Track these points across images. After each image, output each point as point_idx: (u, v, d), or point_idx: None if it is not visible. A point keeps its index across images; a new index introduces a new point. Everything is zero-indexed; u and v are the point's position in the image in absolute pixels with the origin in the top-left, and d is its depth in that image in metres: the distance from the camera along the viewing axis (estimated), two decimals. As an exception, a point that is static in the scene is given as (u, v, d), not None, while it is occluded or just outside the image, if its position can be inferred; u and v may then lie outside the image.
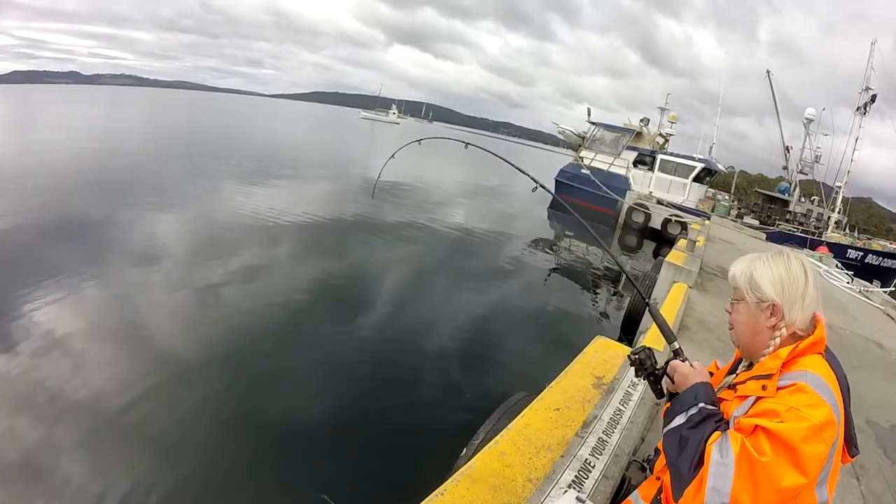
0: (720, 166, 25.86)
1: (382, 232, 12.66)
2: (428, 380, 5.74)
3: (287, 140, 43.40)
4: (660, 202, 21.79)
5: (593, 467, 1.99)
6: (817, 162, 27.73)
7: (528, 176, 2.61)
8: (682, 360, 1.44)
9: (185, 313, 6.48)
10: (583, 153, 25.80)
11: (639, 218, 20.76)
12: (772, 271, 1.30)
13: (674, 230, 18.84)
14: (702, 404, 1.24)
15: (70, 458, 3.77)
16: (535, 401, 2.48)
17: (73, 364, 4.91)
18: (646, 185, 23.80)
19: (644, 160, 24.42)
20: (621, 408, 2.51)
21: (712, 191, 29.01)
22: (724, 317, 1.44)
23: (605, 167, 24.32)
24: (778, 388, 1.16)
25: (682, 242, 10.30)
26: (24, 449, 3.79)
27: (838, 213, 24.90)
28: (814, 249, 17.68)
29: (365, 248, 11.06)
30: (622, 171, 24.06)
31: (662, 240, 18.95)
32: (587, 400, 2.54)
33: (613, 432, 2.28)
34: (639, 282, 8.16)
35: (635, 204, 21.22)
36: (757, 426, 1.09)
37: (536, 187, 2.56)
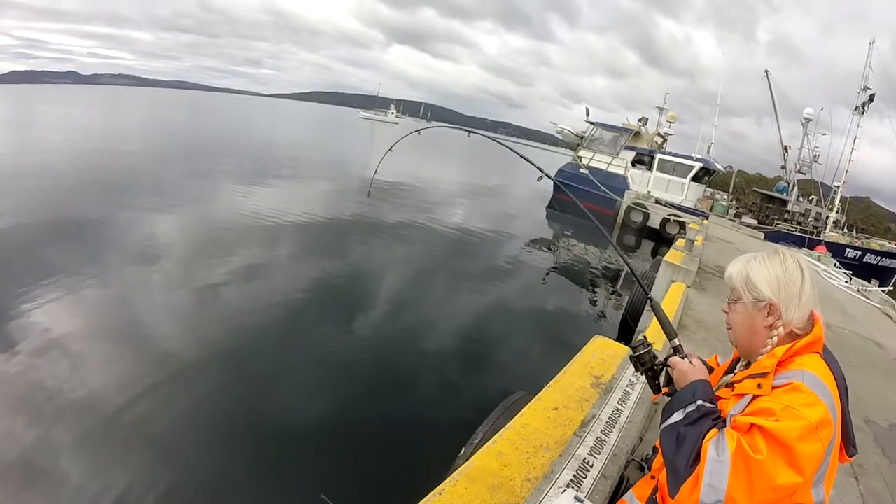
0: (718, 166, 25.88)
1: (381, 231, 12.65)
2: (426, 379, 5.75)
3: (286, 140, 43.36)
4: (658, 202, 21.79)
5: (592, 466, 1.99)
6: (816, 161, 27.82)
7: (534, 165, 2.62)
8: (682, 357, 1.44)
9: (183, 313, 6.48)
10: (581, 153, 25.79)
11: (637, 217, 20.77)
12: (768, 271, 1.30)
13: (672, 230, 18.86)
14: (700, 402, 1.25)
15: (69, 457, 3.77)
16: (533, 400, 2.48)
17: (72, 364, 4.90)
18: (644, 184, 23.81)
19: (642, 160, 24.43)
20: (620, 407, 2.51)
21: (711, 190, 29.05)
22: (723, 316, 1.44)
23: (603, 167, 24.30)
24: (774, 387, 1.16)
25: (680, 242, 10.32)
26: (23, 448, 3.78)
27: (836, 212, 24.95)
28: (812, 249, 17.71)
29: (364, 247, 11.05)
30: (621, 171, 24.05)
31: (661, 239, 18.96)
32: (585, 399, 2.54)
33: (612, 432, 2.28)
34: (639, 277, 8.17)
35: (634, 203, 21.23)
36: (753, 424, 1.09)
37: (541, 176, 2.56)
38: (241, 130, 46.64)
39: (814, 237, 21.32)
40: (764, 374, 1.20)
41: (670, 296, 5.90)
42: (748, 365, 1.36)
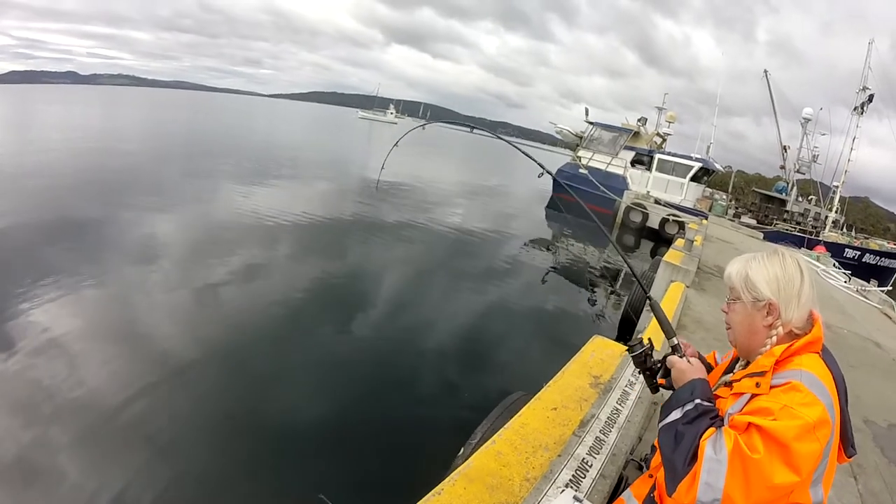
0: (717, 166, 25.91)
1: (381, 231, 12.66)
2: (425, 379, 5.74)
3: (285, 140, 43.35)
4: (657, 202, 21.80)
5: (591, 466, 1.99)
6: (815, 161, 27.84)
7: (534, 161, 2.62)
8: (681, 356, 1.44)
9: (183, 313, 6.47)
10: (580, 153, 25.79)
11: (636, 217, 20.76)
12: (767, 270, 1.30)
13: (671, 230, 18.86)
14: (698, 400, 1.25)
15: (67, 457, 3.76)
16: (532, 400, 2.48)
17: (71, 363, 4.90)
18: (643, 184, 23.83)
19: (642, 160, 24.45)
20: (619, 407, 2.51)
21: (710, 190, 29.07)
22: (722, 316, 1.44)
23: (602, 167, 24.31)
24: (772, 387, 1.16)
25: (679, 242, 10.32)
26: (21, 447, 3.78)
27: (836, 212, 24.97)
28: (811, 249, 17.73)
29: (363, 247, 11.05)
30: (620, 171, 24.06)
31: (660, 239, 18.96)
32: (584, 399, 2.54)
33: (611, 431, 2.27)
34: (638, 277, 8.18)
35: (633, 203, 21.23)
36: (750, 423, 1.09)
37: (542, 173, 2.57)
38: (240, 130, 46.62)
39: (813, 237, 21.34)
40: (762, 373, 1.20)
41: (669, 295, 5.91)
42: (747, 364, 1.36)
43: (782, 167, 29.51)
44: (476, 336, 7.14)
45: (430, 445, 4.05)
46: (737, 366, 1.45)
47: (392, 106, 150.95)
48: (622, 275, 12.63)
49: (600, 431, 2.25)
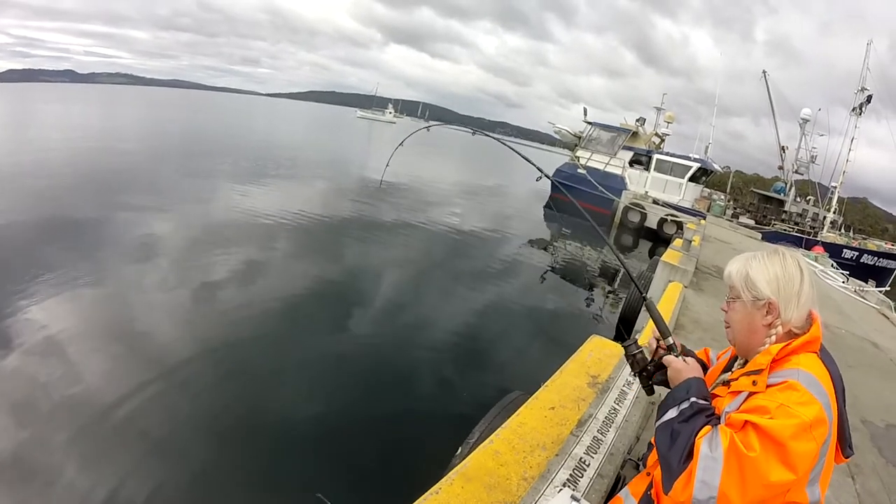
0: (716, 166, 25.95)
1: (380, 231, 12.66)
2: (423, 378, 5.74)
3: (284, 139, 43.29)
4: (656, 202, 21.84)
5: (588, 466, 1.99)
6: (813, 162, 27.90)
7: (534, 165, 2.63)
8: (676, 356, 1.44)
9: (181, 311, 6.45)
10: (579, 153, 25.84)
11: (635, 217, 20.78)
12: (767, 269, 1.30)
13: (670, 230, 18.87)
14: (693, 399, 1.25)
15: (64, 455, 3.75)
16: (530, 399, 2.48)
17: (68, 362, 4.88)
18: (642, 184, 23.86)
19: (640, 160, 24.49)
20: (616, 406, 2.51)
21: (708, 190, 29.12)
22: (720, 316, 1.44)
23: (601, 167, 24.36)
24: (769, 385, 1.16)
25: (677, 242, 10.32)
26: (18, 445, 3.77)
27: (834, 212, 25.04)
28: (809, 249, 17.75)
29: (363, 246, 11.04)
30: (618, 171, 24.10)
31: (658, 239, 18.98)
32: (582, 399, 2.54)
33: (608, 431, 2.28)
34: (635, 278, 8.18)
35: (631, 203, 21.24)
36: (747, 422, 1.09)
37: (540, 177, 2.58)
38: (239, 130, 46.53)
39: (811, 237, 21.37)
40: (759, 371, 1.21)
41: (667, 296, 5.91)
42: (746, 363, 1.36)
43: (781, 167, 29.58)
44: (474, 335, 7.14)
45: (428, 444, 4.06)
46: (735, 364, 1.45)
47: (391, 105, 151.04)
48: (620, 274, 12.64)
49: (598, 431, 2.25)
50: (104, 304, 6.34)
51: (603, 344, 3.29)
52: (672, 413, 1.25)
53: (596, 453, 2.08)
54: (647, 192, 23.25)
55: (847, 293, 11.07)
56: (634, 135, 25.11)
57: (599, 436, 2.22)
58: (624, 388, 2.70)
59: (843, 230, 27.51)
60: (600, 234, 2.28)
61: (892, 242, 28.29)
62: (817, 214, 26.48)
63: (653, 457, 1.49)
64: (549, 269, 12.64)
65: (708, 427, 1.16)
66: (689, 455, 1.12)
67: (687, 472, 1.10)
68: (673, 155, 24.18)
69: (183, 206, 12.32)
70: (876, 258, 19.41)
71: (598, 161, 24.73)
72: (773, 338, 1.27)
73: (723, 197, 31.61)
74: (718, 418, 1.21)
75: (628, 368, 1.56)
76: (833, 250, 18.61)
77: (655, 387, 1.55)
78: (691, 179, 23.61)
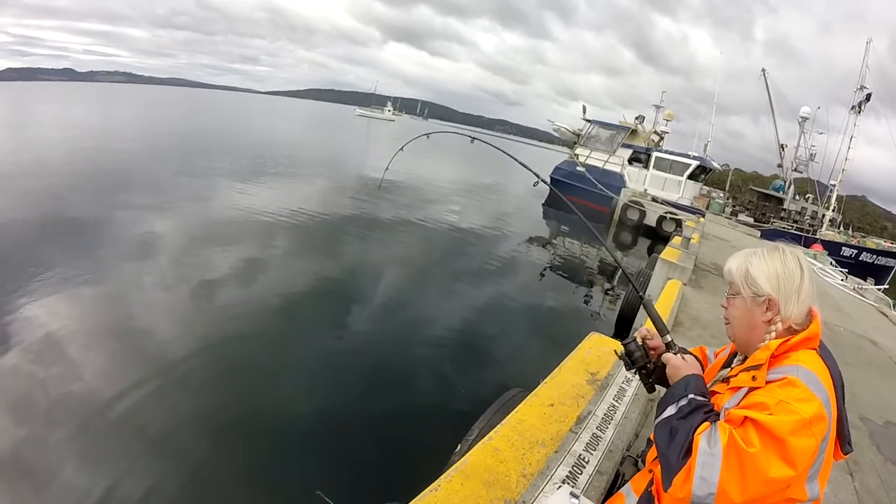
0: (715, 164, 25.95)
1: (379, 228, 12.65)
2: (422, 376, 5.74)
3: (283, 137, 43.18)
4: (655, 199, 21.84)
5: (587, 463, 1.99)
6: (812, 160, 27.92)
7: (531, 171, 2.63)
8: (675, 353, 1.44)
9: (179, 309, 6.44)
10: (578, 150, 25.81)
11: (634, 215, 20.76)
12: (767, 266, 1.30)
13: (669, 227, 18.86)
14: (692, 395, 1.25)
15: (62, 453, 3.74)
16: (529, 397, 2.48)
17: (67, 360, 4.88)
18: (641, 182, 23.85)
19: (639, 158, 24.47)
20: (615, 404, 2.51)
21: (707, 188, 29.13)
22: (719, 313, 1.44)
23: (600, 164, 24.33)
24: (769, 382, 1.16)
25: (676, 240, 10.33)
26: (16, 443, 3.76)
27: (833, 210, 25.06)
28: (808, 247, 17.78)
29: (362, 244, 11.03)
30: (617, 169, 24.08)
31: (657, 237, 18.96)
32: (581, 396, 2.54)
33: (607, 428, 2.28)
34: (633, 277, 8.18)
35: (630, 201, 21.21)
36: (746, 418, 1.09)
37: (538, 181, 2.58)
38: (238, 128, 46.43)
39: (810, 235, 21.40)
40: (758, 367, 1.21)
41: (666, 293, 5.92)
42: (745, 360, 1.36)
43: (780, 165, 29.60)
44: (473, 332, 7.14)
45: (427, 441, 4.06)
46: (734, 361, 1.45)
47: (389, 103, 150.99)
48: (619, 272, 12.63)
49: (597, 428, 2.26)
50: (103, 302, 6.33)
51: (602, 341, 3.29)
52: (671, 410, 1.25)
53: (595, 450, 2.08)
54: (646, 189, 23.25)
55: (846, 291, 11.08)
56: (633, 133, 25.08)
57: (598, 433, 2.22)
58: (623, 385, 2.70)
59: (841, 228, 27.52)
60: (597, 236, 2.29)
61: (890, 240, 28.31)
62: (816, 212, 26.50)
63: (652, 453, 1.49)
64: (548, 266, 12.64)
65: (707, 423, 1.16)
66: (688, 451, 1.12)
67: (686, 469, 1.10)
68: (672, 153, 24.16)
69: (182, 204, 12.28)
70: (875, 256, 19.45)
71: (597, 159, 24.70)
72: (773, 334, 1.27)
73: (722, 195, 31.63)
74: (717, 415, 1.21)
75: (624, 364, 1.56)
76: (832, 248, 18.63)
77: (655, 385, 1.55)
78: (690, 177, 23.61)
